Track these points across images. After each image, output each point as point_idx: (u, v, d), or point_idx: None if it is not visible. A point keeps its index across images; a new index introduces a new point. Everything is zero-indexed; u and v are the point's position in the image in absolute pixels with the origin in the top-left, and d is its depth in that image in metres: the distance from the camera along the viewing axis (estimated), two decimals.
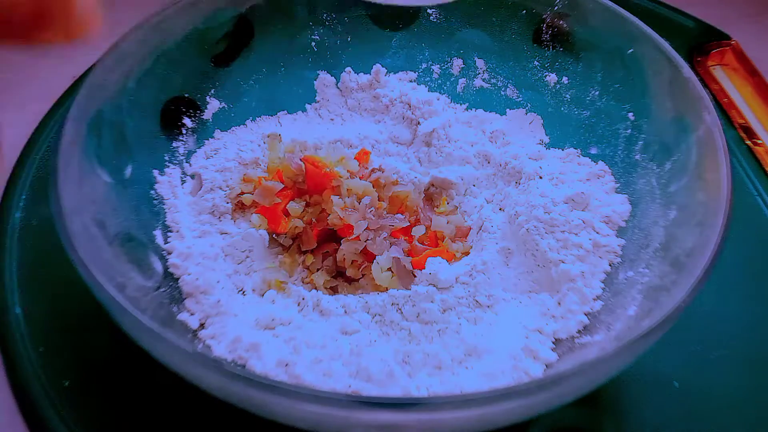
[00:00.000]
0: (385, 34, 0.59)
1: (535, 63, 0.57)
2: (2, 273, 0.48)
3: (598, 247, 0.46)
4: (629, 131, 0.51)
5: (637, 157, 0.50)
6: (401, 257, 0.47)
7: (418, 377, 0.40)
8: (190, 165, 0.52)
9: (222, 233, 0.49)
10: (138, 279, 0.41)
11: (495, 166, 0.54)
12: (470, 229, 0.51)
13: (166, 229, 0.47)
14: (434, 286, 0.44)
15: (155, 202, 0.48)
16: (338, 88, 0.59)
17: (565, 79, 0.56)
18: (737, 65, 0.66)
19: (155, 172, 0.49)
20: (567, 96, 0.56)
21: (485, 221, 0.50)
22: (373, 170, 0.52)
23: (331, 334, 0.42)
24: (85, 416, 0.42)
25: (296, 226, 0.49)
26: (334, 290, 0.48)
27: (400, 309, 0.44)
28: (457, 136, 0.56)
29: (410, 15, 0.59)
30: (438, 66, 0.60)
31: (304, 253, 0.49)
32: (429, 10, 0.58)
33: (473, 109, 0.59)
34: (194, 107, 0.54)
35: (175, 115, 0.52)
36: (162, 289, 0.43)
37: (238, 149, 0.53)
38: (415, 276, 0.46)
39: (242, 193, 0.51)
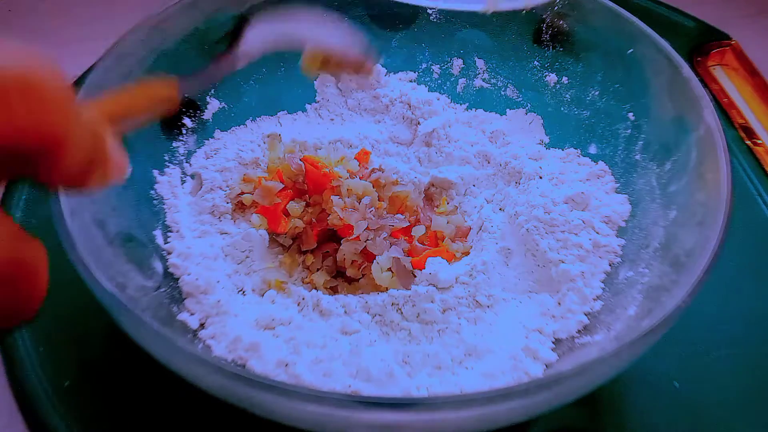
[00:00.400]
0: (385, 34, 0.59)
1: (535, 63, 0.57)
2: None
3: (598, 247, 0.46)
4: (629, 131, 0.51)
5: (637, 157, 0.50)
6: (401, 257, 0.47)
7: (418, 377, 0.40)
8: (190, 165, 0.52)
9: (222, 233, 0.49)
10: (138, 279, 0.41)
11: (495, 166, 0.54)
12: (470, 229, 0.51)
13: (166, 229, 0.47)
14: (434, 286, 0.44)
15: (155, 202, 0.48)
16: (338, 88, 0.59)
17: (565, 79, 0.56)
18: (737, 65, 0.66)
19: (155, 172, 0.49)
20: (567, 96, 0.56)
21: (485, 221, 0.50)
22: (373, 170, 0.52)
23: (331, 334, 0.42)
24: (85, 416, 0.42)
25: (296, 226, 0.49)
26: (334, 290, 0.48)
27: (400, 309, 0.44)
28: (457, 136, 0.56)
29: (410, 15, 0.59)
30: (438, 66, 0.60)
31: (304, 253, 0.49)
32: (429, 11, 0.58)
33: (473, 109, 0.59)
34: (194, 107, 0.54)
35: (175, 115, 0.52)
36: (162, 289, 0.43)
37: (238, 149, 0.53)
38: (415, 276, 0.46)
39: (242, 193, 0.51)
